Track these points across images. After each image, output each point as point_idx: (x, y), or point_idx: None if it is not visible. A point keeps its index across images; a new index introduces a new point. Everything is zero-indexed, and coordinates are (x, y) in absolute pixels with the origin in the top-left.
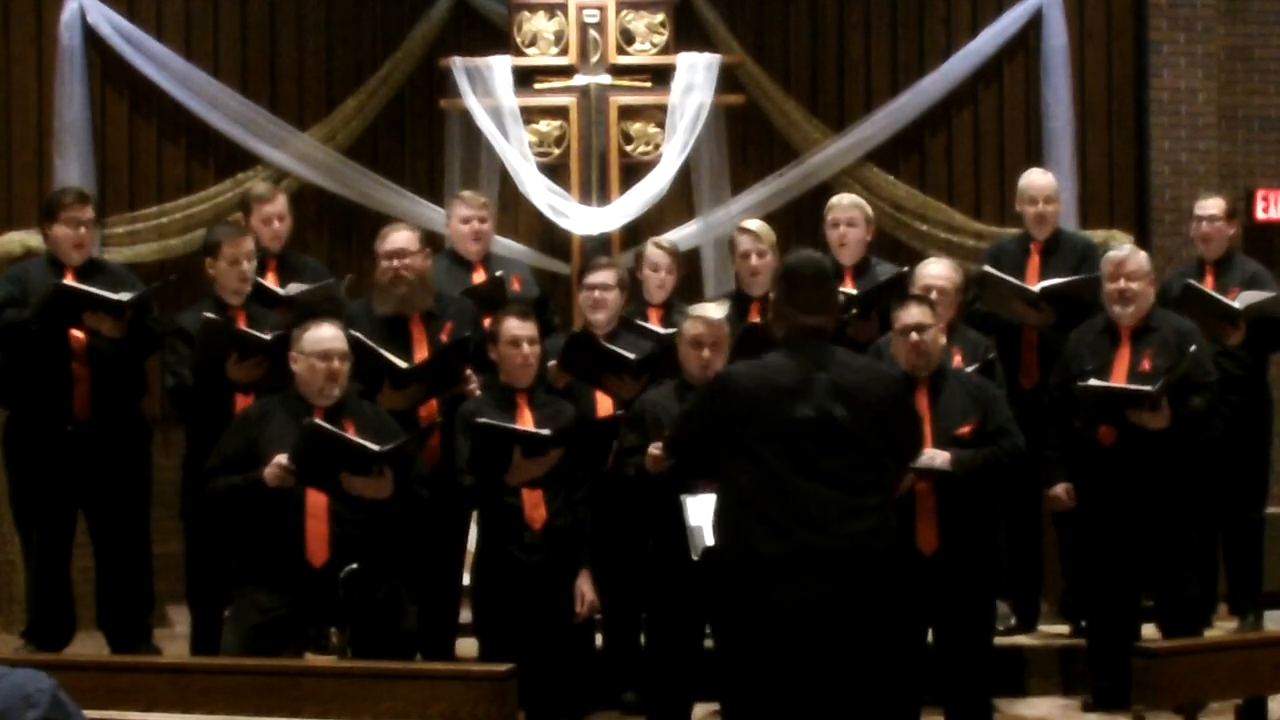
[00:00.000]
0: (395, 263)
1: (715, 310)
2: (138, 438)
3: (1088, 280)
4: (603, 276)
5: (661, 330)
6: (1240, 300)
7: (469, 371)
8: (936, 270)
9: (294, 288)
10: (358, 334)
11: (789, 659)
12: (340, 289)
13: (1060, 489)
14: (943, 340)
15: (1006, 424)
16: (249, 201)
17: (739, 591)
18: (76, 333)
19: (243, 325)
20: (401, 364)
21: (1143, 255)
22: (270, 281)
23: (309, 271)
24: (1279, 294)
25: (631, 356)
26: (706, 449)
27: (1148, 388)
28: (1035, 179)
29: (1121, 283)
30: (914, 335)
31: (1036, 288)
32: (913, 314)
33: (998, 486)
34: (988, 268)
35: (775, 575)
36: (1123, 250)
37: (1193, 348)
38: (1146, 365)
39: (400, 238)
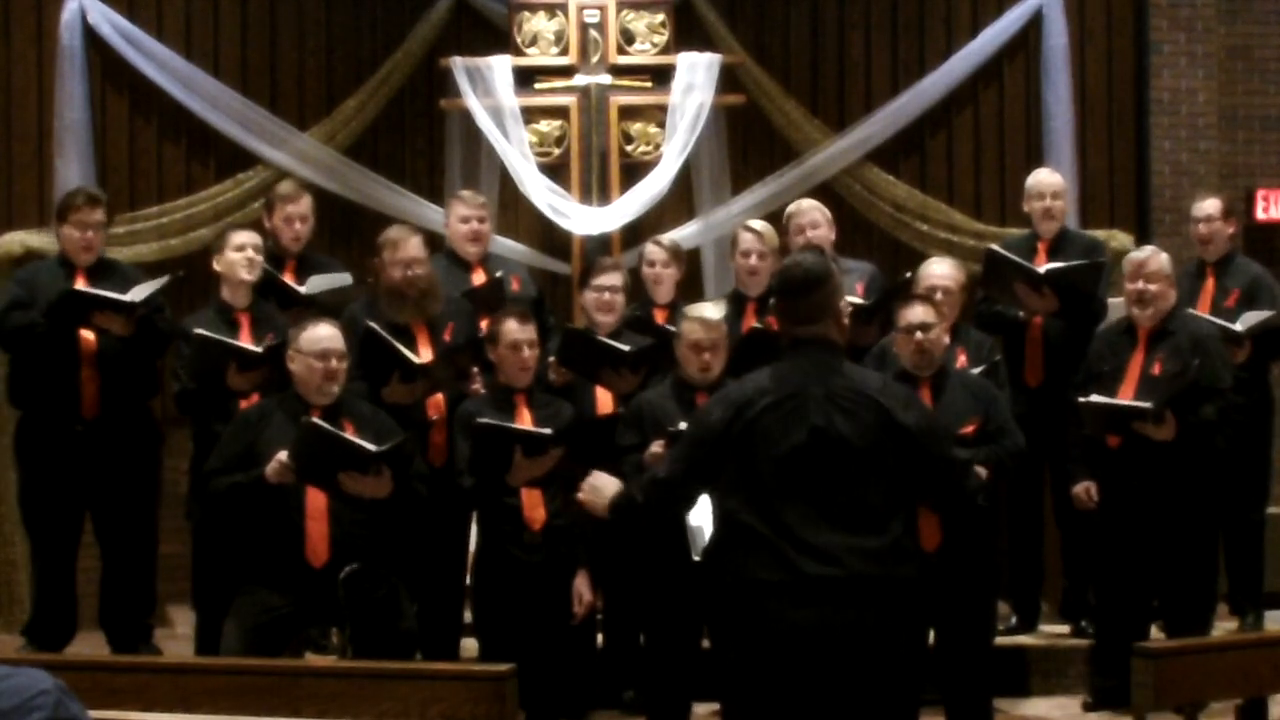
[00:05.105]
0: (412, 271)
1: (712, 310)
2: (147, 439)
3: (1091, 266)
4: (612, 279)
5: (668, 327)
6: (1242, 322)
7: (475, 370)
8: (941, 270)
9: (313, 282)
10: (374, 325)
11: (789, 684)
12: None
13: (1080, 488)
14: (946, 340)
15: (1007, 424)
16: (273, 200)
17: (736, 615)
18: (86, 333)
19: (246, 328)
20: (415, 359)
21: (1164, 257)
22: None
23: (329, 269)
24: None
25: (626, 349)
26: (709, 473)
27: (1146, 404)
28: (1043, 176)
29: (1140, 284)
30: (919, 334)
31: (1042, 269)
32: (917, 313)
33: (999, 486)
34: (994, 246)
35: (773, 601)
36: (1144, 251)
37: (1195, 361)
38: (1157, 369)
39: (415, 244)
